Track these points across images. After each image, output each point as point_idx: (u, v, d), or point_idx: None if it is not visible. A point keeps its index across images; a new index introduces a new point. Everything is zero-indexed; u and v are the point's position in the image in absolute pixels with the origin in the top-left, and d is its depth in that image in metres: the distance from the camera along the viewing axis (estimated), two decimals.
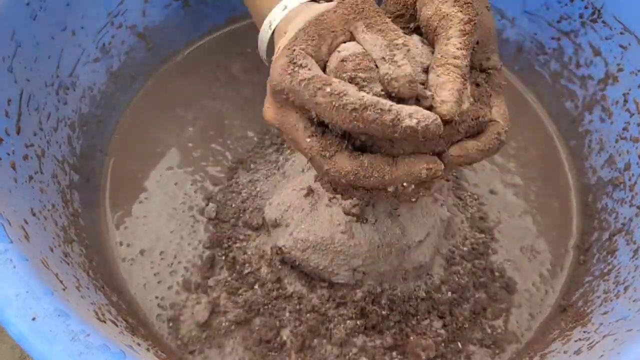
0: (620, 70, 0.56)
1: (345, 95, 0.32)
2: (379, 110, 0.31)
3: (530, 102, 0.66)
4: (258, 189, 0.55)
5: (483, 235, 0.55)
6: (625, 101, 0.56)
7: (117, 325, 0.42)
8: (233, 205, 0.54)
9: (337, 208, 0.47)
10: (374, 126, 0.31)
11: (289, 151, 0.57)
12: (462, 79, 0.34)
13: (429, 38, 0.37)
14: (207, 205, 0.56)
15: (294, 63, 0.34)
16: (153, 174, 0.58)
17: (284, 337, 0.48)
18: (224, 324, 0.49)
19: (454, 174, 0.59)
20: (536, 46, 0.65)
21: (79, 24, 0.55)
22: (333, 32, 0.36)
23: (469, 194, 0.58)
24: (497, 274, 0.54)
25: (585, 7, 0.58)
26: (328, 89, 0.32)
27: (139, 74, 0.64)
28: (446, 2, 0.36)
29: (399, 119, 0.31)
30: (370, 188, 0.36)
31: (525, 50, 0.66)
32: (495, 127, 0.36)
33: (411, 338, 0.48)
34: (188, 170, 0.58)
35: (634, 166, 0.54)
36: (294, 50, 0.35)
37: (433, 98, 0.33)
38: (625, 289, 0.47)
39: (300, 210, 0.49)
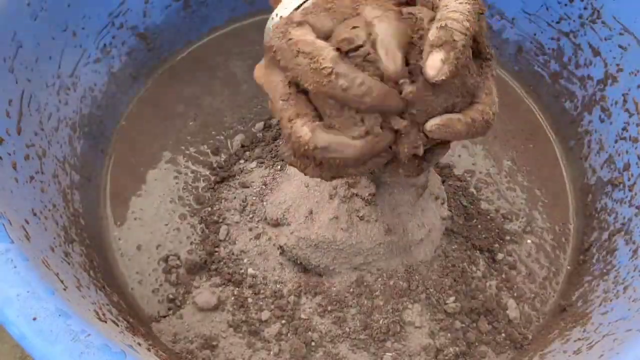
0: (619, 70, 0.56)
1: (323, 59, 0.32)
2: (350, 81, 0.32)
3: (529, 102, 0.66)
4: (257, 187, 0.55)
5: (483, 235, 0.55)
6: (625, 101, 0.56)
7: (117, 325, 0.42)
8: (232, 202, 0.54)
9: (338, 206, 0.47)
10: (342, 94, 0.32)
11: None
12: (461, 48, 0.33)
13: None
14: (204, 203, 0.56)
15: (289, 24, 0.34)
16: (153, 170, 0.59)
17: (287, 337, 0.48)
18: (223, 321, 0.49)
19: (458, 175, 0.59)
20: (536, 46, 0.65)
21: (80, 24, 0.55)
22: (341, 11, 0.36)
23: (469, 193, 0.58)
24: (496, 273, 0.54)
25: (585, 8, 0.58)
26: (308, 49, 0.33)
27: (140, 74, 0.64)
28: None
29: (364, 93, 0.32)
30: (330, 164, 0.35)
31: (525, 50, 0.66)
32: (479, 106, 0.36)
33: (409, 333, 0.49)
34: (188, 166, 0.59)
35: (633, 166, 0.54)
36: (295, 15, 0.35)
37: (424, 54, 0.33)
38: (625, 289, 0.47)
39: (301, 209, 0.49)
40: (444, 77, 0.32)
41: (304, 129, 0.34)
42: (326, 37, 0.35)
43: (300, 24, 0.35)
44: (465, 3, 0.34)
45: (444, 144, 0.38)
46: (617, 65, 0.56)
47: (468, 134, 0.35)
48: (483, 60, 0.38)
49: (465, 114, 0.35)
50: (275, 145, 0.58)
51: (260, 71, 0.37)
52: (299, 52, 0.33)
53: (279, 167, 0.55)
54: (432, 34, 0.33)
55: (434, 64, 0.32)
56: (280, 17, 0.39)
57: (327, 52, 0.32)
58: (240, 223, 0.53)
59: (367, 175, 0.47)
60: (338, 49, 0.33)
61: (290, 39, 0.33)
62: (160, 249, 0.54)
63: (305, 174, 0.37)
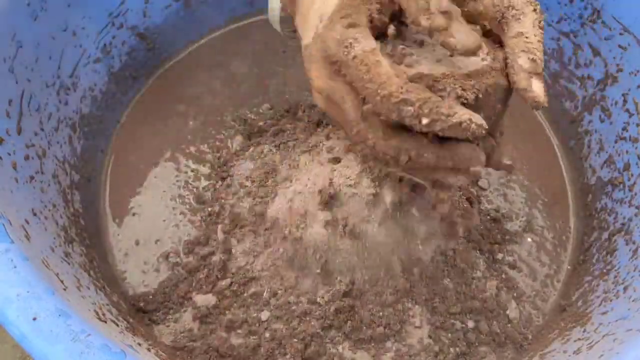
0: (619, 70, 0.56)
1: (390, 85, 0.33)
2: (420, 109, 0.32)
3: None
4: (255, 187, 0.55)
5: (483, 235, 0.55)
6: (625, 101, 0.56)
7: (117, 325, 0.42)
8: (230, 202, 0.54)
9: (338, 206, 0.47)
10: (411, 121, 0.33)
11: (288, 150, 0.57)
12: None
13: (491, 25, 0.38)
14: (204, 202, 0.56)
15: (353, 37, 0.35)
16: (153, 169, 0.59)
17: (287, 337, 0.48)
18: (222, 321, 0.49)
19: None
20: None
21: (80, 24, 0.55)
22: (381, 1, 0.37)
23: (469, 193, 0.58)
24: (496, 273, 0.54)
25: (585, 8, 0.58)
26: (374, 74, 0.33)
27: (140, 74, 0.64)
28: None
29: (436, 121, 0.32)
30: (407, 167, 0.37)
31: None
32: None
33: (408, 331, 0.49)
34: (188, 165, 0.59)
35: (633, 166, 0.54)
36: (350, 20, 0.36)
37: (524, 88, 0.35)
38: (625, 288, 0.47)
39: (301, 209, 0.49)
40: (546, 105, 0.34)
41: (386, 139, 0.35)
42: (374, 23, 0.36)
43: (352, 25, 0.35)
44: (539, 37, 0.36)
45: None
46: (617, 65, 0.56)
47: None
48: None
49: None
50: (275, 146, 0.58)
51: (321, 82, 0.37)
52: (365, 74, 0.33)
53: (278, 166, 0.55)
54: (526, 63, 0.35)
55: (540, 91, 0.34)
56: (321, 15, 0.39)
57: (393, 79, 0.33)
58: (241, 222, 0.53)
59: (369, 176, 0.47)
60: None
61: (354, 57, 0.34)
62: (159, 244, 0.54)
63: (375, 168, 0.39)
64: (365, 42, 0.34)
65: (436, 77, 0.35)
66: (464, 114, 0.32)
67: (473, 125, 0.32)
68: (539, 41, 0.36)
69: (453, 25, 0.34)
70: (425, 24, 0.34)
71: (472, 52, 0.34)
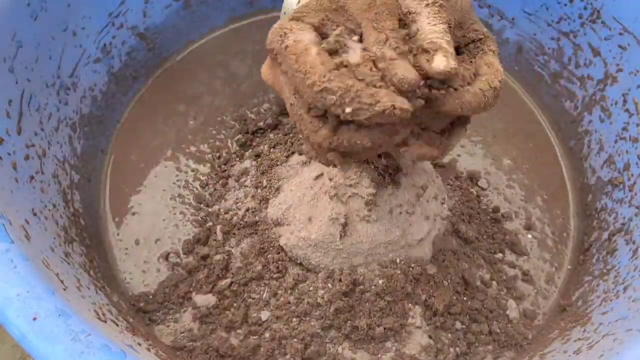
0: (619, 70, 0.56)
1: (313, 74, 0.32)
2: (341, 97, 0.32)
3: (529, 102, 0.66)
4: (255, 187, 0.55)
5: (483, 235, 0.55)
6: (625, 101, 0.56)
7: (117, 325, 0.42)
8: (231, 202, 0.54)
9: (338, 206, 0.47)
10: (335, 110, 0.32)
11: (287, 150, 0.57)
12: (449, 44, 0.34)
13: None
14: (204, 202, 0.56)
15: (289, 28, 0.35)
16: (153, 169, 0.59)
17: (287, 337, 0.48)
18: (222, 321, 0.49)
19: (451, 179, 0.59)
20: (536, 47, 0.65)
21: (80, 24, 0.55)
22: (348, 18, 0.36)
23: (469, 193, 0.58)
24: (496, 273, 0.54)
25: (585, 8, 0.58)
26: (300, 62, 0.33)
27: (140, 74, 0.64)
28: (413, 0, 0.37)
29: (361, 110, 0.32)
30: (350, 153, 0.36)
31: (525, 50, 0.66)
32: (483, 77, 0.36)
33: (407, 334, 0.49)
34: (188, 164, 0.59)
35: (633, 166, 0.54)
36: (299, 15, 0.36)
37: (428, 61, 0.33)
38: (625, 288, 0.47)
39: (302, 209, 0.49)
40: (453, 65, 0.33)
41: (322, 131, 0.34)
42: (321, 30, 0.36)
43: (296, 19, 0.35)
44: (435, 22, 0.35)
45: (462, 123, 0.38)
46: (617, 65, 0.56)
47: (480, 104, 0.35)
48: (474, 42, 0.39)
49: (472, 86, 0.36)
50: (274, 147, 0.58)
51: (267, 70, 0.38)
52: (294, 63, 0.33)
53: (278, 166, 0.55)
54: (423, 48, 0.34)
55: (440, 60, 0.33)
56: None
57: (317, 67, 0.32)
58: (240, 223, 0.53)
59: (370, 174, 0.47)
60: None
61: (286, 46, 0.34)
62: (159, 244, 0.54)
63: (329, 166, 0.37)
64: (300, 33, 0.34)
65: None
66: (386, 102, 0.31)
67: (397, 111, 0.32)
68: (433, 26, 0.35)
69: (398, 61, 0.33)
70: (376, 52, 0.33)
71: (408, 86, 0.32)
